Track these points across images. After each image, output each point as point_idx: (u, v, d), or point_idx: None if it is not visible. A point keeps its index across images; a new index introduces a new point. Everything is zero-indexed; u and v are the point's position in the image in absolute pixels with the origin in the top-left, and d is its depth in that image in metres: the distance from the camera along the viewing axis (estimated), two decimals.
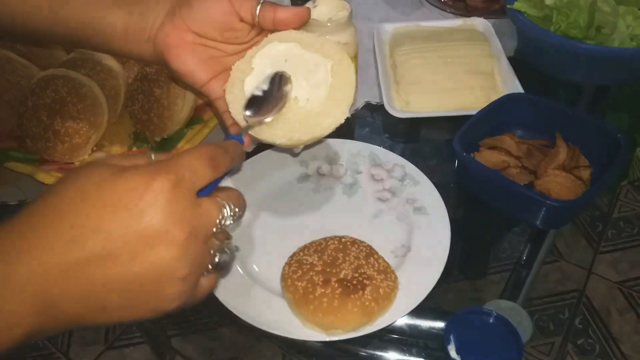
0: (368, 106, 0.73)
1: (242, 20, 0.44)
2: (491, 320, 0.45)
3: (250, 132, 0.44)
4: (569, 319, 1.19)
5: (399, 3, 0.93)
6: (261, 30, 0.46)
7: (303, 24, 0.46)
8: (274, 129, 0.44)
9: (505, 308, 0.48)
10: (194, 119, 0.66)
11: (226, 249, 0.34)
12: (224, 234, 0.35)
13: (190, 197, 0.31)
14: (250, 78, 0.45)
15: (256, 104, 0.43)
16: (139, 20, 0.45)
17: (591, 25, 0.67)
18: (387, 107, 0.68)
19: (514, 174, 0.58)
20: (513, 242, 0.61)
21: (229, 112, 0.45)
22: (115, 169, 0.30)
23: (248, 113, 0.43)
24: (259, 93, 0.43)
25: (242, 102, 0.44)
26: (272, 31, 0.47)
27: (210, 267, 0.33)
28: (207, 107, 0.68)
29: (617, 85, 0.75)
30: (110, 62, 0.68)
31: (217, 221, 0.32)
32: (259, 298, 0.48)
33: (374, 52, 0.79)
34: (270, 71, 0.44)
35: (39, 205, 0.30)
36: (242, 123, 0.44)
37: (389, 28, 0.82)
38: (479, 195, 0.60)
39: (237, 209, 0.34)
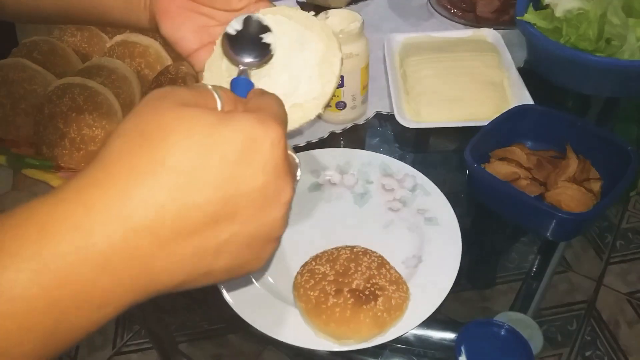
0: (379, 116, 0.74)
1: None
2: (502, 332, 0.45)
3: None
4: (577, 330, 1.18)
5: (409, 14, 0.93)
6: None
7: None
8: None
9: (515, 320, 0.48)
10: None
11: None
12: None
13: (289, 152, 0.29)
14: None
15: (235, 44, 0.40)
16: None
17: (601, 38, 0.67)
18: (397, 117, 0.69)
19: (524, 185, 0.58)
20: (523, 252, 0.61)
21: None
22: (217, 114, 0.27)
23: (240, 58, 0.39)
24: (231, 32, 0.40)
25: (221, 77, 0.41)
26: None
27: None
28: None
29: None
30: (125, 70, 0.69)
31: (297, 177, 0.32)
32: (271, 307, 0.49)
33: (385, 63, 0.79)
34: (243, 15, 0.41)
35: (135, 156, 0.25)
36: (235, 67, 0.40)
37: (400, 38, 0.83)
38: (490, 206, 0.60)
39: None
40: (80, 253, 0.23)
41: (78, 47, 0.75)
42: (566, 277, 1.36)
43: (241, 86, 0.36)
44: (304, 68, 0.40)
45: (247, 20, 0.40)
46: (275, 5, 0.44)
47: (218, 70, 0.42)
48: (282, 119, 0.29)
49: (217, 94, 0.30)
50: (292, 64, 0.40)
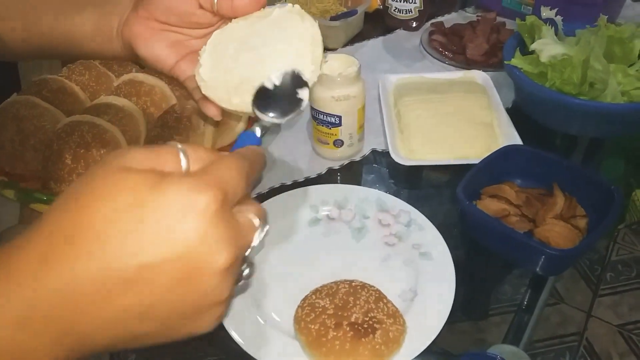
0: (374, 153, 0.77)
1: (201, 7, 0.44)
2: None
3: (220, 104, 0.42)
4: None
5: (403, 55, 0.98)
6: (223, 16, 0.45)
7: (262, 8, 0.45)
8: (243, 96, 0.41)
9: (508, 352, 0.50)
10: None
11: (251, 262, 0.32)
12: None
13: (231, 218, 0.28)
14: (206, 55, 0.44)
15: (264, 97, 0.39)
16: (107, 19, 0.46)
17: (584, 82, 0.71)
18: (392, 155, 0.72)
19: (514, 222, 0.61)
20: (515, 285, 0.63)
21: (198, 88, 0.44)
22: (152, 178, 0.26)
23: (260, 113, 0.38)
24: (269, 86, 0.39)
25: (211, 82, 0.43)
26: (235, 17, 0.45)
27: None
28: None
29: None
30: (131, 109, 0.72)
31: (253, 243, 0.31)
32: (273, 339, 0.51)
33: (380, 102, 0.83)
34: (285, 69, 0.40)
35: (62, 219, 0.26)
36: (248, 113, 0.40)
37: (394, 79, 0.87)
38: (481, 241, 0.63)
39: (265, 227, 0.32)
40: None
41: (86, 86, 0.78)
42: (558, 309, 1.37)
43: (247, 142, 0.36)
44: (290, 45, 0.42)
45: (286, 75, 0.39)
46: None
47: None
48: (227, 183, 0.28)
49: (184, 154, 0.29)
50: (279, 46, 0.42)
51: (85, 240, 0.25)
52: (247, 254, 0.31)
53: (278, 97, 0.39)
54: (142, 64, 0.82)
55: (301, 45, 0.42)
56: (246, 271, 0.32)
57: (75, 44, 0.48)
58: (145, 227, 0.26)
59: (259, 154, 0.34)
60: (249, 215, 0.30)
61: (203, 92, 0.43)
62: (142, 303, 0.26)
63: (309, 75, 0.40)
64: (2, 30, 0.48)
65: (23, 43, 0.49)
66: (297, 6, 0.44)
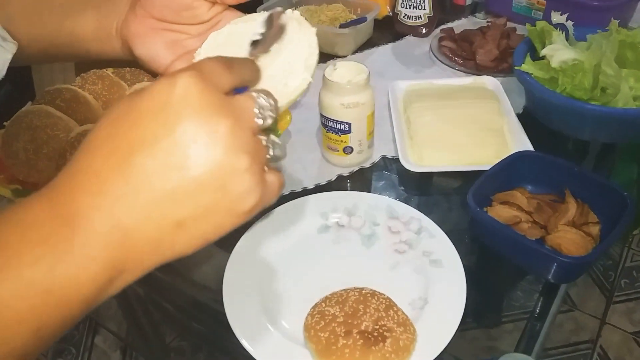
0: (384, 159, 0.77)
1: None
2: None
3: None
4: None
5: (412, 61, 0.98)
6: (222, 6, 0.46)
7: None
8: None
9: None
10: None
11: (276, 141, 0.33)
12: (267, 131, 0.33)
13: (219, 92, 0.30)
14: (200, 50, 0.44)
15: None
16: (107, 18, 0.46)
17: (596, 87, 0.71)
18: (402, 161, 0.72)
19: (525, 228, 0.60)
20: (526, 292, 0.63)
21: None
22: (132, 93, 0.30)
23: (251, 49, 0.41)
24: (257, 37, 0.41)
25: None
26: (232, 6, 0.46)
27: (268, 161, 0.33)
28: None
29: None
30: None
31: (257, 110, 0.31)
32: (283, 348, 0.51)
33: (389, 108, 0.83)
34: (263, 16, 0.42)
35: (94, 162, 0.30)
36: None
37: (403, 85, 0.87)
38: (493, 248, 0.62)
39: (271, 100, 0.32)
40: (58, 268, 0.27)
41: (99, 95, 0.79)
42: (572, 316, 1.36)
43: None
44: (285, 51, 0.42)
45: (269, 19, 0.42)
46: (244, 14, 0.46)
47: None
48: (204, 68, 0.30)
49: None
50: (273, 52, 0.42)
51: (128, 169, 0.28)
52: (257, 121, 0.31)
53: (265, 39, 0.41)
54: (152, 74, 0.83)
55: (296, 52, 0.42)
56: (274, 149, 0.33)
57: (78, 45, 0.49)
58: (142, 118, 0.29)
59: (246, 59, 0.36)
60: (246, 92, 0.32)
61: None
62: (167, 185, 0.28)
63: (299, 82, 0.41)
64: (9, 34, 0.49)
65: (29, 45, 0.50)
66: (296, 12, 0.44)
